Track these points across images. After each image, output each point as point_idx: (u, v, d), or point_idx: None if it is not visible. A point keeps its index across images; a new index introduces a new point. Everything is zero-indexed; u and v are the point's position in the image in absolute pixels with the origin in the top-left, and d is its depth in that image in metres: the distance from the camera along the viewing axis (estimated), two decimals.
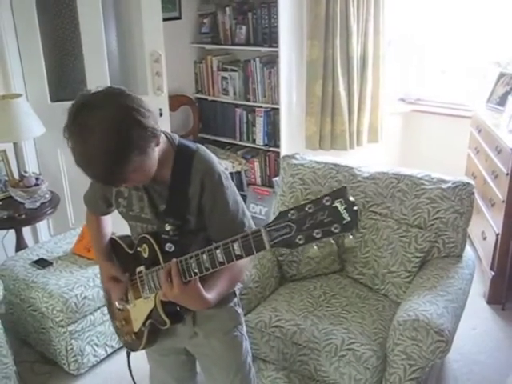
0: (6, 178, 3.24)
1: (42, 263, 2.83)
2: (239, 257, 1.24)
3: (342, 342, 2.15)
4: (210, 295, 1.41)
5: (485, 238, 3.35)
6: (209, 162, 1.51)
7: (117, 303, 1.68)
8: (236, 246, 1.23)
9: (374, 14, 3.85)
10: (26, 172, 3.21)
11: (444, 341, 1.98)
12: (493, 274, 3.17)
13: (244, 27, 4.08)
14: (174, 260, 1.37)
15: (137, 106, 1.32)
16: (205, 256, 1.30)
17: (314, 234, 1.09)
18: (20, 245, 3.18)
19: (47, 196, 3.16)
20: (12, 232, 3.20)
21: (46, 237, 3.57)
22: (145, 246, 1.53)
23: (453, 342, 2.09)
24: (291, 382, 2.21)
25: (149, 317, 1.58)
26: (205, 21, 4.30)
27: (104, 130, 1.26)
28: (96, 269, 2.74)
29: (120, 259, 1.70)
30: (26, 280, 2.72)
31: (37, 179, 3.11)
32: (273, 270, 2.56)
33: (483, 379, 2.62)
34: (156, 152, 1.41)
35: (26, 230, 3.36)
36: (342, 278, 2.63)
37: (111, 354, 2.83)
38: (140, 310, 1.61)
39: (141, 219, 1.56)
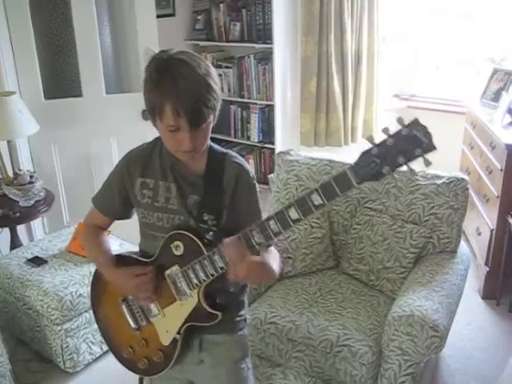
0: (0, 176, 3.22)
1: (36, 261, 2.82)
2: (319, 207, 1.31)
3: (338, 338, 2.16)
4: (274, 267, 1.44)
5: (479, 234, 3.36)
6: (241, 161, 1.57)
7: (132, 323, 1.62)
8: (314, 196, 1.31)
9: (368, 11, 3.86)
10: (20, 170, 3.19)
11: (439, 336, 1.98)
12: (487, 269, 3.18)
13: (238, 24, 4.08)
14: (236, 236, 1.37)
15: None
16: (272, 222, 1.34)
17: (398, 161, 1.20)
18: (14, 243, 3.17)
19: (41, 194, 3.14)
20: (6, 230, 3.19)
21: (40, 235, 3.55)
22: (177, 242, 1.49)
23: (448, 337, 2.10)
24: (287, 379, 2.20)
25: (187, 320, 1.52)
26: (199, 17, 4.29)
27: (196, 63, 1.37)
28: (91, 266, 2.74)
29: None
30: (20, 278, 2.71)
31: (31, 177, 3.10)
32: None
33: (478, 374, 2.63)
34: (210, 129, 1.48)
35: (21, 228, 3.34)
36: (337, 275, 2.64)
37: (107, 351, 2.82)
38: (174, 316, 1.54)
39: (167, 210, 1.54)
